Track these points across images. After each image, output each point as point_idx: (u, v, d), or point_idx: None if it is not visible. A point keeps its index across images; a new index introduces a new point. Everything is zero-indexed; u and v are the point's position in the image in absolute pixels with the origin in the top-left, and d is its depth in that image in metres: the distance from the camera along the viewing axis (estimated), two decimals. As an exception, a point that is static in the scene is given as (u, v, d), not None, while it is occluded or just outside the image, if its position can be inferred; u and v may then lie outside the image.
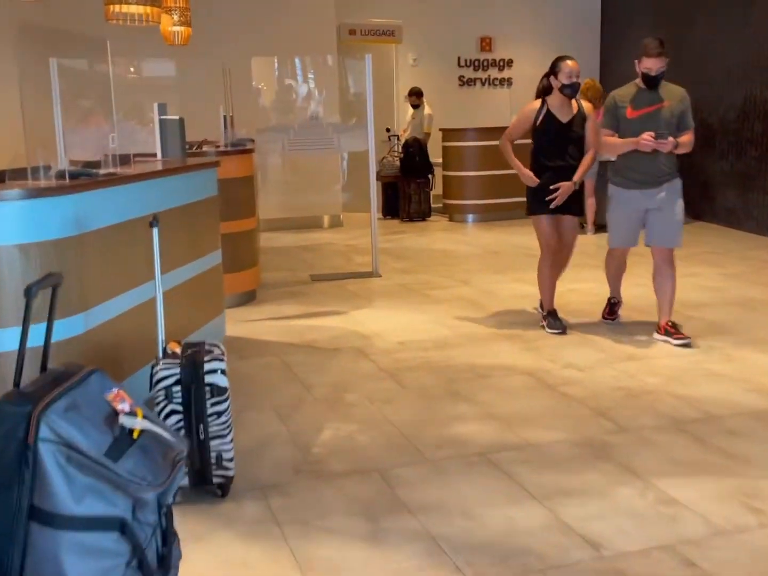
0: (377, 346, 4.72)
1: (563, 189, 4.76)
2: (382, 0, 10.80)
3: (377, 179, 10.10)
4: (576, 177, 4.79)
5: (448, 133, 9.90)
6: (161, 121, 4.76)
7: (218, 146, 6.04)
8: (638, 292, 5.46)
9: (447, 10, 11.17)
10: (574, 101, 4.84)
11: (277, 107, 9.63)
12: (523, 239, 8.40)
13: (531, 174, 4.83)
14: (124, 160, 3.84)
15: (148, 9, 5.78)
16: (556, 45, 11.82)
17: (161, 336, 2.98)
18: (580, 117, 4.84)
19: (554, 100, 4.79)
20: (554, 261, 4.95)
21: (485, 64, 11.58)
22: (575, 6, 11.77)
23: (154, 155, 4.79)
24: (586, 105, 4.91)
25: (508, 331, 4.95)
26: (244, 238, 5.64)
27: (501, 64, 11.66)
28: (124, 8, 5.65)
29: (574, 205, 4.92)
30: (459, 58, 11.44)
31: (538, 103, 4.86)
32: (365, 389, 4.01)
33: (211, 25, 8.69)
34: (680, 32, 9.44)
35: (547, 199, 4.78)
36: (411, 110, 10.25)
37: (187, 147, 5.71)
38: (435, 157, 10.16)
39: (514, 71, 11.72)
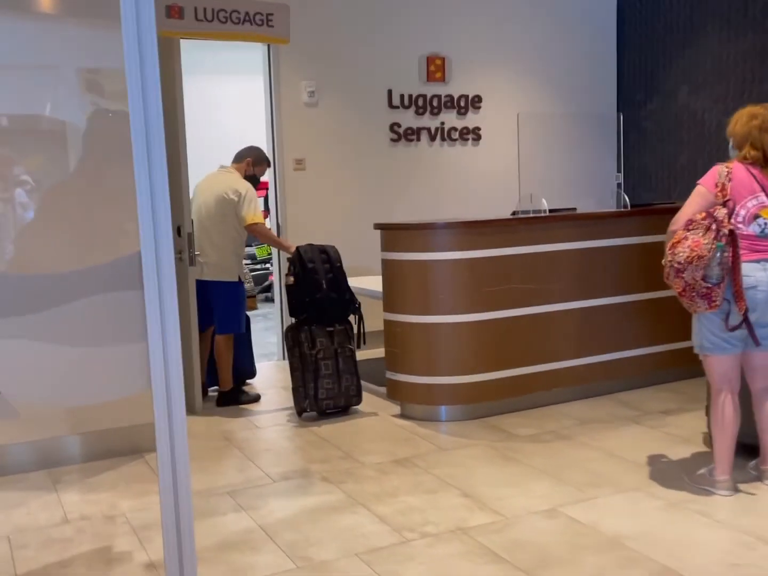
0: None
1: None
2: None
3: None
4: None
5: (392, 235, 4.62)
6: None
7: None
8: None
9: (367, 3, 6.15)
10: None
11: None
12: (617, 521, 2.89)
13: None
14: None
15: None
16: (552, 70, 6.99)
17: None
18: None
19: None
20: None
21: (435, 103, 6.54)
22: (580, 14, 6.99)
23: None
24: None
25: None
26: None
27: (462, 103, 6.65)
28: None
29: None
30: (391, 93, 6.36)
31: None
32: None
33: None
34: None
35: None
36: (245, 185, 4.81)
37: None
38: (356, 276, 4.96)
39: (483, 116, 6.74)
